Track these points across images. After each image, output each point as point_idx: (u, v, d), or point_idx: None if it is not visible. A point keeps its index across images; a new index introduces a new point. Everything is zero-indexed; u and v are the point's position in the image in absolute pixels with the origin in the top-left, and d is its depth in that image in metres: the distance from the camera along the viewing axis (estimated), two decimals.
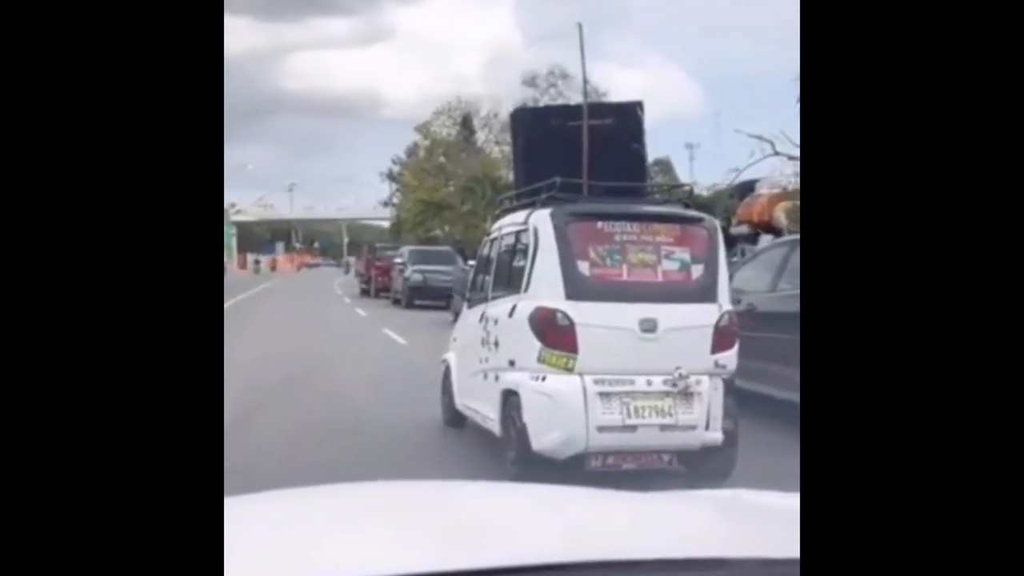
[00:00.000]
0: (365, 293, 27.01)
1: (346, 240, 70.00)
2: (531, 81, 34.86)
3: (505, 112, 35.64)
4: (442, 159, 38.00)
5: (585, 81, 24.11)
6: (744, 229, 37.83)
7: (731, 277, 7.20)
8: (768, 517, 1.41)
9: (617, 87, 32.96)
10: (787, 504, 1.44)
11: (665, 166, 33.99)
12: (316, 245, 75.55)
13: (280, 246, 61.84)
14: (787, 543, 1.09)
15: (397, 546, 1.15)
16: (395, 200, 47.47)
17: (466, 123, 38.77)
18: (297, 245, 70.41)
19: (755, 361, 6.26)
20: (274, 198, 63.60)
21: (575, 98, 32.89)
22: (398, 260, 22.38)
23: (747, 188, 38.52)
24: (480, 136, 38.87)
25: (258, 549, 0.99)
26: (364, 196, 63.31)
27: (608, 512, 1.46)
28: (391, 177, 46.83)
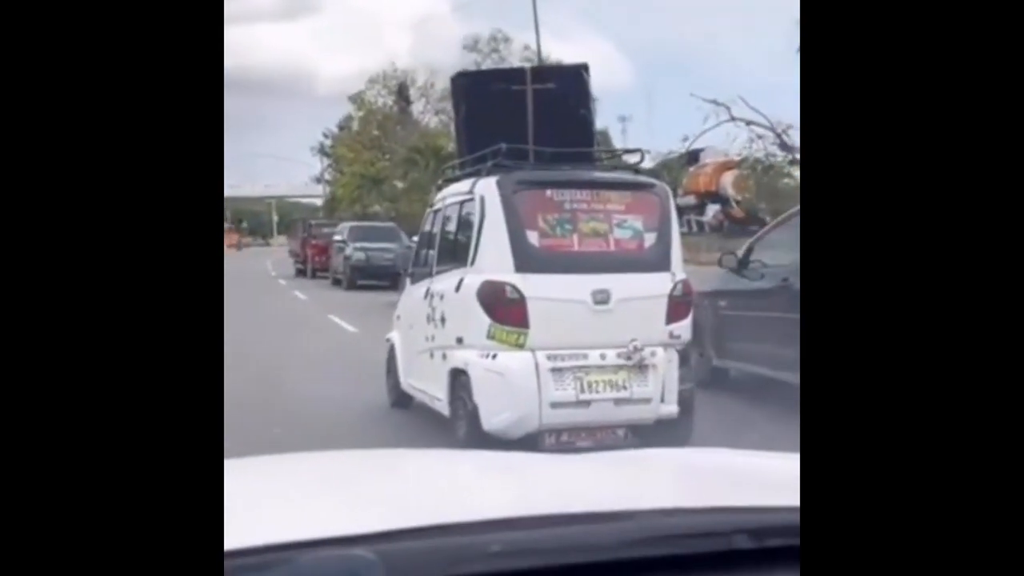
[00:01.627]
0: (301, 273, 26.07)
1: (275, 219, 69.10)
2: (472, 46, 34.42)
3: (442, 82, 35.27)
4: (376, 132, 37.49)
5: (539, 43, 23.86)
6: (691, 199, 38.09)
7: (751, 248, 7.00)
8: (680, 470, 1.50)
9: (550, 58, 33.19)
10: (702, 458, 1.61)
11: (603, 137, 34.44)
12: (244, 225, 74.36)
13: None
14: (689, 493, 1.24)
15: (350, 508, 1.19)
16: (327, 176, 46.77)
17: (402, 92, 38.09)
18: (226, 225, 69.18)
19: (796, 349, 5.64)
20: None
21: (517, 63, 32.79)
22: (337, 237, 21.35)
23: (692, 158, 38.80)
24: (418, 106, 38.46)
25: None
26: (295, 173, 62.35)
27: (527, 472, 1.54)
28: (323, 152, 45.95)
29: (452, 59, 34.41)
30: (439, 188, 5.84)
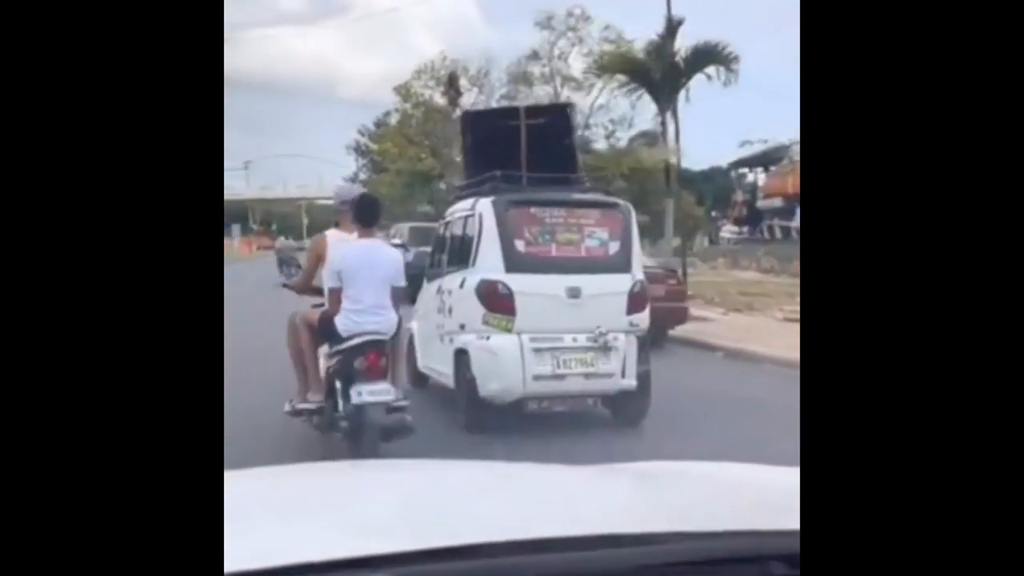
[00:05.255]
0: None
1: (305, 221, 72.92)
2: (545, 23, 35.61)
3: (498, 70, 37.28)
4: (414, 127, 38.36)
5: (671, 14, 24.97)
6: (776, 202, 38.67)
7: None
8: (706, 487, 1.65)
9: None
10: (726, 474, 1.78)
11: (651, 138, 35.99)
12: (274, 228, 78.48)
13: (236, 228, 64.61)
14: (713, 517, 1.37)
15: (363, 527, 1.35)
16: (362, 176, 48.44)
17: (452, 82, 38.83)
18: (254, 227, 73.48)
19: None
20: (230, 179, 67.03)
21: (595, 44, 34.08)
22: (396, 241, 20.87)
23: (772, 158, 39.43)
24: (468, 98, 38.99)
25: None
26: (326, 174, 66.22)
27: (543, 488, 1.71)
28: (359, 150, 48.12)
29: (520, 38, 36.11)
30: (450, 204, 8.34)
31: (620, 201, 7.55)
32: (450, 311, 7.50)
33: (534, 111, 8.26)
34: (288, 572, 0.98)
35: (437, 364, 7.81)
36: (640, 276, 7.25)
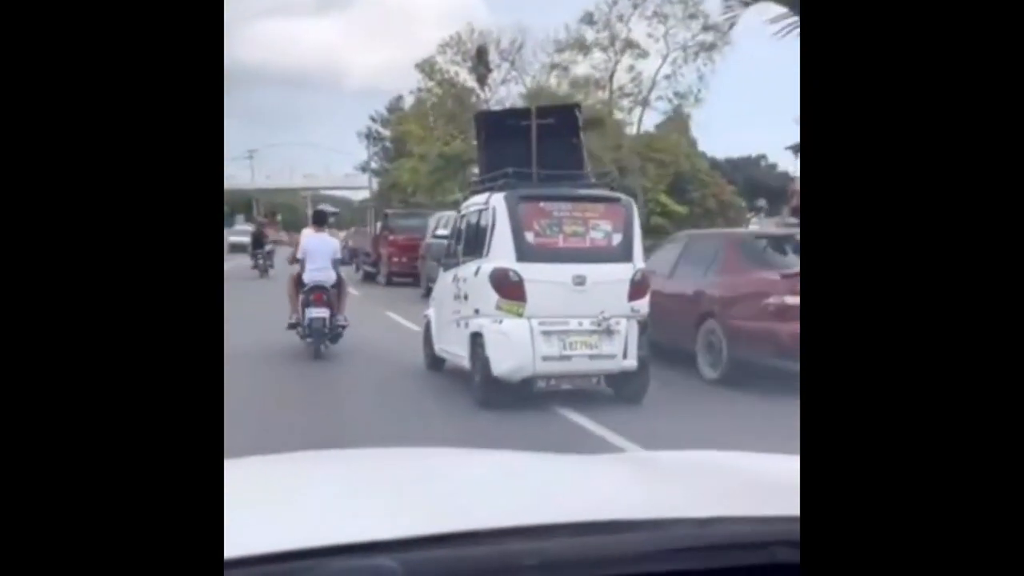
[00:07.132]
0: (370, 278, 25.41)
1: (310, 212, 73.70)
2: None
3: (531, 40, 35.82)
4: (429, 109, 37.34)
5: None
6: None
7: None
8: (712, 475, 1.76)
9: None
10: (733, 462, 1.89)
11: (682, 124, 36.18)
12: (279, 218, 79.86)
13: (240, 219, 65.85)
14: (721, 502, 1.45)
15: (370, 512, 1.42)
16: (374, 164, 48.46)
17: (481, 56, 36.76)
18: (259, 218, 74.90)
19: None
20: (235, 169, 68.30)
21: (656, 2, 32.93)
22: (440, 232, 18.08)
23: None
24: (498, 75, 37.66)
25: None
26: (334, 164, 67.07)
27: (551, 475, 1.83)
28: (371, 137, 48.65)
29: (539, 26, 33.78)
30: (465, 198, 9.46)
31: (622, 196, 8.65)
32: (466, 297, 8.60)
33: (544, 112, 9.37)
34: (291, 556, 1.02)
35: (453, 347, 8.93)
36: (641, 265, 8.34)
